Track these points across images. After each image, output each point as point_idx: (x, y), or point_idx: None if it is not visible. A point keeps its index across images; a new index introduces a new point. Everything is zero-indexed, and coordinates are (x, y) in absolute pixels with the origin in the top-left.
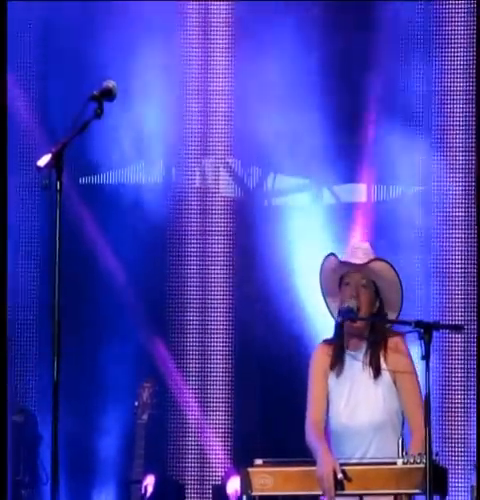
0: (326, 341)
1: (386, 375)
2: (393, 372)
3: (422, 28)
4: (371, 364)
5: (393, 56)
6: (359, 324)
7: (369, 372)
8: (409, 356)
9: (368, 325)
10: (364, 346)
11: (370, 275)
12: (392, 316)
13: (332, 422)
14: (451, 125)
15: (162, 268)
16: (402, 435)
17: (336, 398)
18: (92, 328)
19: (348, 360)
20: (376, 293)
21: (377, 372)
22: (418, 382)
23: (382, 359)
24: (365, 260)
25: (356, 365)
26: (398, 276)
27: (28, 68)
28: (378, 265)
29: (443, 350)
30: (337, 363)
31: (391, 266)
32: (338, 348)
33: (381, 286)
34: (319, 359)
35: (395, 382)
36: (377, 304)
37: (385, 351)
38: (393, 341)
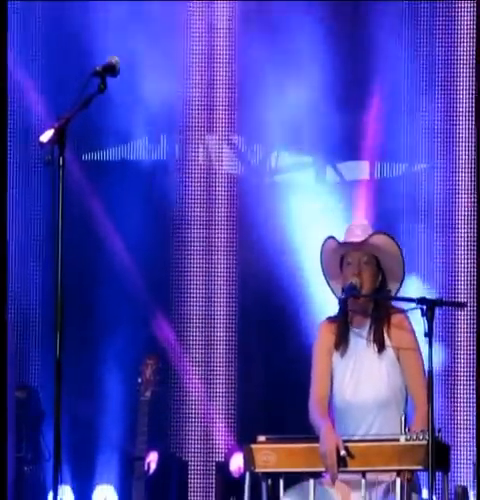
0: (330, 319)
1: (390, 351)
2: (397, 348)
3: (427, 12)
4: (375, 341)
5: (398, 34)
6: (362, 301)
7: (373, 348)
8: (413, 332)
9: (371, 302)
10: (368, 323)
11: (370, 250)
12: (395, 287)
13: (336, 398)
14: (455, 101)
15: (165, 243)
16: (405, 412)
17: (340, 374)
18: (95, 306)
19: (352, 337)
20: (378, 267)
21: (381, 348)
22: (422, 358)
23: (386, 336)
24: (363, 237)
25: (360, 342)
26: (397, 244)
27: (29, 43)
28: (377, 238)
29: (447, 326)
30: (341, 340)
31: (390, 236)
32: (342, 325)
33: (382, 259)
34: (323, 337)
35: (399, 358)
36: (380, 278)
37: (389, 328)
38: (397, 318)
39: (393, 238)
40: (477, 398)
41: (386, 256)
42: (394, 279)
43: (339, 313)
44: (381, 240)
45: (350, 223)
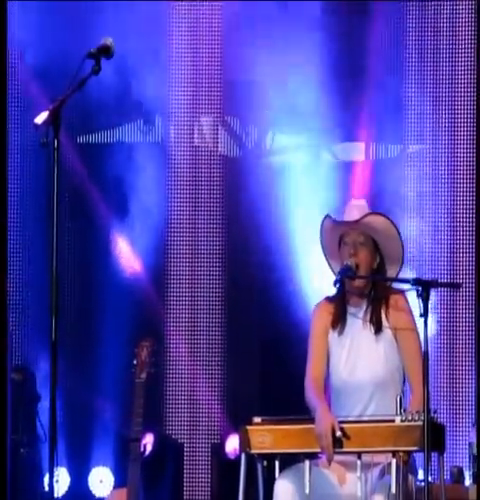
0: (328, 298)
1: (387, 332)
2: (394, 329)
3: None
4: (372, 321)
5: (394, 15)
6: (358, 282)
7: (370, 329)
8: (410, 313)
9: (369, 283)
10: (365, 303)
11: (367, 231)
12: (394, 269)
13: (333, 378)
14: (451, 83)
15: (160, 226)
16: (402, 392)
17: (337, 354)
18: (90, 287)
19: (349, 317)
20: (375, 248)
21: (378, 329)
22: (419, 339)
23: (383, 316)
24: (359, 217)
25: (357, 322)
26: (396, 227)
27: (26, 26)
28: (373, 219)
29: (445, 307)
30: (338, 321)
31: (387, 218)
32: (339, 305)
33: (379, 240)
34: (320, 316)
35: (396, 339)
36: (377, 259)
37: (387, 308)
38: (394, 298)
39: (391, 220)
40: (477, 378)
41: (384, 238)
42: (393, 262)
43: (336, 293)
44: (378, 221)
45: (346, 203)
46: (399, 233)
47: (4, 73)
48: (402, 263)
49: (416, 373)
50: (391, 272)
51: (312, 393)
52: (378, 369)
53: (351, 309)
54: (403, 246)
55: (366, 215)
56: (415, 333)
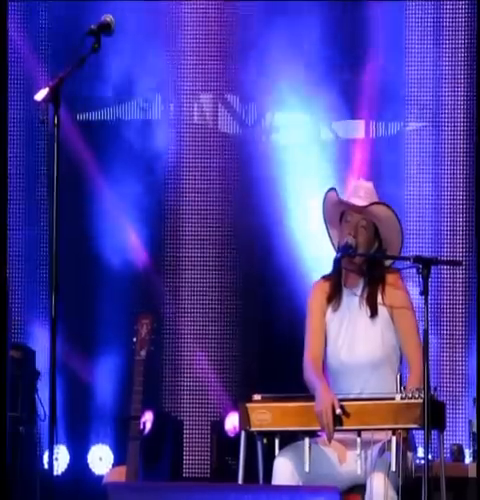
0: (324, 277)
1: (384, 311)
2: (390, 308)
3: None
4: (368, 301)
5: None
6: (357, 261)
7: (366, 309)
8: (406, 291)
9: (366, 262)
10: (362, 283)
11: (370, 217)
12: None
13: (329, 358)
14: (452, 61)
15: (159, 204)
16: (400, 371)
17: (334, 335)
18: (90, 265)
19: (345, 296)
20: (376, 234)
21: (374, 309)
22: (415, 318)
23: (380, 295)
24: (365, 202)
25: (353, 302)
26: (399, 221)
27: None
28: (378, 208)
29: (443, 285)
30: (334, 297)
31: (392, 210)
32: (336, 284)
33: (381, 229)
34: (316, 296)
35: (392, 318)
36: (376, 245)
37: (383, 287)
38: (390, 277)
39: (395, 212)
40: (477, 355)
41: (385, 227)
42: (391, 250)
43: (333, 272)
44: (382, 211)
45: (349, 181)
46: (401, 226)
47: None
48: (399, 253)
49: (413, 350)
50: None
51: (311, 372)
52: (375, 349)
53: (348, 289)
54: (403, 239)
55: (372, 204)
56: (411, 311)
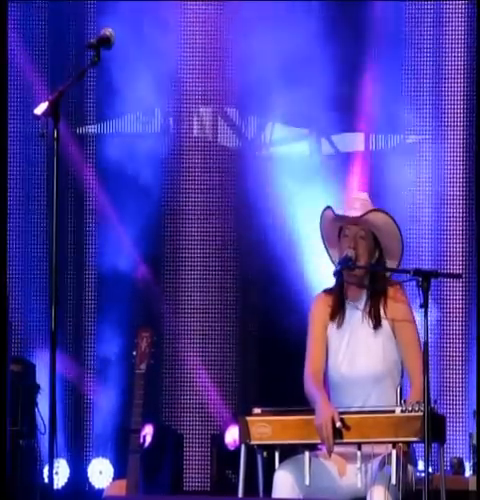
0: (326, 291)
1: (386, 325)
2: (392, 321)
3: None
4: (370, 314)
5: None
6: (358, 273)
7: (369, 322)
8: (408, 304)
9: (367, 275)
10: (364, 296)
11: (368, 226)
12: (393, 265)
13: (331, 372)
14: (450, 76)
15: (158, 217)
16: (401, 385)
17: (335, 348)
18: (91, 275)
19: (348, 311)
20: (375, 243)
21: (377, 322)
22: (417, 331)
23: (382, 309)
24: (361, 212)
25: (356, 315)
26: (397, 225)
27: (28, 17)
28: (375, 216)
29: (442, 298)
30: (337, 313)
31: (389, 216)
32: (338, 298)
33: (380, 236)
34: (318, 309)
35: (394, 331)
36: (376, 255)
37: (385, 300)
38: (392, 289)
39: (392, 217)
40: (477, 368)
41: (384, 234)
42: (392, 257)
43: (335, 285)
44: (379, 218)
45: (346, 195)
46: (400, 231)
47: (5, 73)
48: (401, 260)
49: (414, 364)
50: (390, 266)
51: (312, 385)
52: (376, 363)
53: (350, 302)
54: (403, 243)
55: (368, 212)
56: (413, 324)
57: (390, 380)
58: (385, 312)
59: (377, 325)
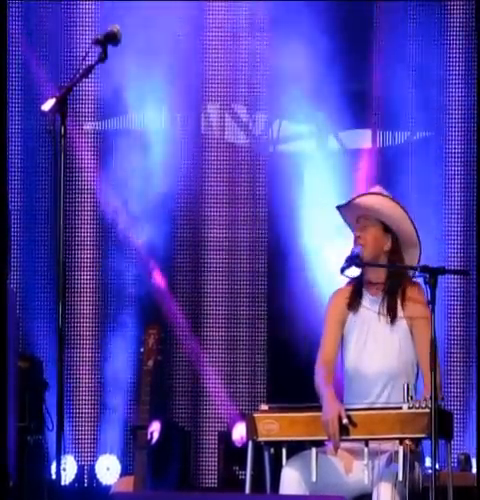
0: (348, 283)
1: (403, 324)
2: (410, 320)
3: None
4: (388, 311)
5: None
6: (372, 268)
7: (386, 319)
8: (426, 305)
9: (383, 270)
10: (381, 290)
11: (371, 214)
12: (413, 252)
13: (346, 365)
14: (454, 75)
15: (167, 214)
16: (409, 382)
17: (351, 341)
18: (98, 272)
19: (366, 306)
20: (386, 231)
21: (393, 319)
22: (434, 332)
23: (399, 307)
24: (370, 202)
25: (373, 309)
26: (402, 206)
27: (33, 14)
28: (368, 199)
29: (455, 294)
30: (354, 303)
31: (389, 198)
32: (356, 290)
33: (389, 222)
34: (336, 301)
35: (412, 331)
36: (389, 242)
37: (403, 299)
38: (411, 290)
39: (393, 199)
40: (477, 367)
41: (392, 220)
42: (411, 245)
43: (353, 279)
44: (374, 201)
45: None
46: (407, 212)
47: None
48: (419, 240)
49: (428, 364)
50: (411, 256)
51: (321, 377)
52: (391, 359)
53: (368, 298)
54: (414, 225)
55: (358, 196)
56: (430, 325)
57: (405, 378)
58: (403, 311)
59: (393, 320)
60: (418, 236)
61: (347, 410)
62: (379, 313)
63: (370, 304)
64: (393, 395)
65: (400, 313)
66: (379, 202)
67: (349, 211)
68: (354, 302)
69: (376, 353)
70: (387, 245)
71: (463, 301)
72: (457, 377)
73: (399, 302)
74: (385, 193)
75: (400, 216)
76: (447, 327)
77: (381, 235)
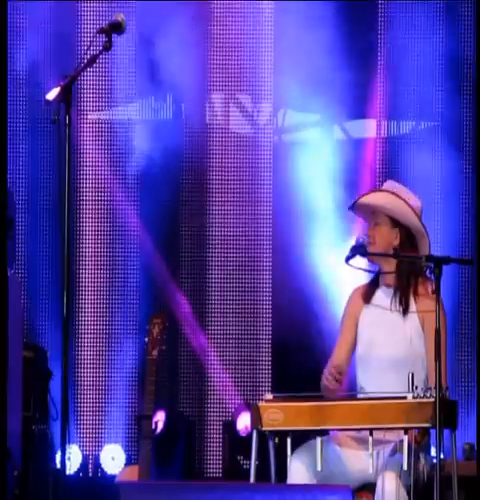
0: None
1: (415, 318)
2: (422, 316)
3: None
4: (400, 303)
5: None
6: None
7: (399, 310)
8: (439, 301)
9: (394, 263)
10: (394, 282)
11: (377, 210)
12: (425, 240)
13: (358, 351)
14: (462, 61)
15: (171, 203)
16: (413, 371)
17: (364, 329)
18: (104, 263)
19: (379, 293)
20: (395, 226)
21: (405, 312)
22: (445, 330)
23: (412, 302)
24: (381, 199)
25: (386, 300)
26: (402, 198)
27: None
28: (372, 197)
29: (460, 283)
30: (369, 294)
31: (391, 193)
32: (371, 282)
33: (396, 217)
34: (351, 301)
35: (423, 327)
36: (398, 237)
37: (415, 294)
38: (423, 287)
39: (394, 193)
40: (477, 365)
41: (398, 214)
42: (422, 236)
43: (373, 276)
44: (380, 198)
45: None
46: (408, 203)
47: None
48: (427, 235)
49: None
50: (424, 247)
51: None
52: (400, 348)
53: (383, 288)
54: (417, 214)
55: (362, 195)
56: (438, 316)
57: (414, 368)
58: (416, 305)
59: (405, 312)
60: (425, 228)
61: (351, 399)
62: (391, 303)
63: (384, 294)
64: (399, 386)
65: (412, 307)
66: (384, 200)
67: (359, 209)
68: (369, 292)
69: (387, 341)
70: (396, 240)
71: (470, 291)
72: (464, 367)
73: (412, 296)
74: (396, 188)
75: (402, 208)
76: (452, 317)
77: (390, 232)
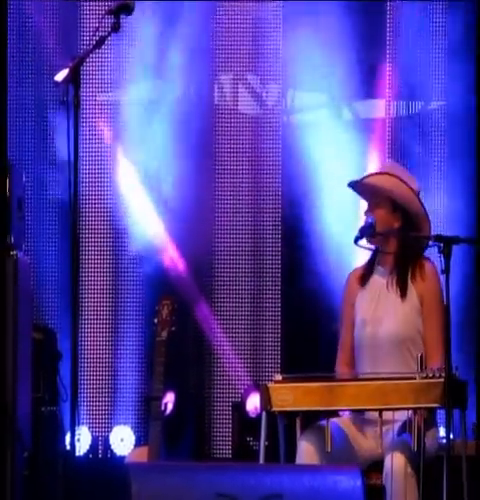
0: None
1: (414, 297)
2: (421, 297)
3: None
4: (398, 283)
5: None
6: (383, 242)
7: (395, 291)
8: (437, 281)
9: (394, 242)
10: (391, 264)
11: (387, 194)
12: (426, 227)
13: (355, 331)
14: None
15: (178, 185)
16: (422, 352)
17: (361, 311)
18: (113, 246)
19: (376, 275)
20: (395, 209)
21: (403, 291)
22: (443, 311)
23: (410, 283)
24: (387, 182)
25: (382, 281)
26: (404, 182)
27: None
28: (376, 179)
29: (465, 262)
30: (365, 277)
31: (393, 176)
32: (368, 263)
33: (398, 200)
34: (349, 285)
35: (422, 306)
36: (399, 220)
37: (413, 275)
38: (421, 265)
39: (398, 176)
40: (477, 363)
41: (400, 197)
42: (424, 221)
43: (371, 256)
44: (382, 180)
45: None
46: (411, 188)
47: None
48: (428, 218)
49: (434, 341)
50: (425, 231)
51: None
52: (399, 328)
53: (379, 269)
54: (420, 199)
55: (366, 176)
56: (439, 302)
57: (411, 348)
58: (414, 286)
59: (403, 293)
60: (426, 212)
61: (360, 379)
62: (387, 284)
63: (381, 275)
64: (400, 366)
65: (411, 288)
66: (389, 183)
67: (360, 189)
68: (365, 273)
69: (384, 319)
70: (397, 223)
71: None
72: (473, 345)
73: (410, 277)
74: (396, 170)
75: (407, 195)
76: (459, 295)
77: (390, 214)
